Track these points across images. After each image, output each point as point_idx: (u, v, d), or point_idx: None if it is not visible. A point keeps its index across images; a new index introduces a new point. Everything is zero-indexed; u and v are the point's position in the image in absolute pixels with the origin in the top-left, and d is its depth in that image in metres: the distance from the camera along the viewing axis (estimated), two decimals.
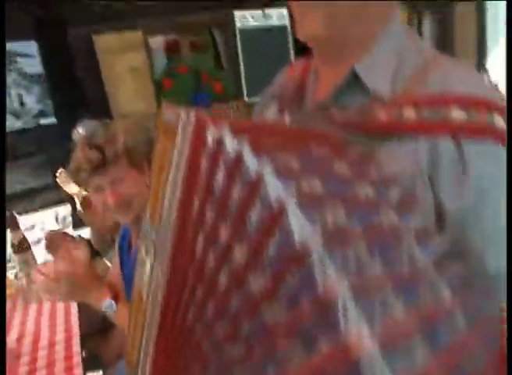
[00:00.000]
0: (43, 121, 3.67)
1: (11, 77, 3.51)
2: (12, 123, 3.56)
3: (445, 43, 5.76)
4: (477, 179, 0.55)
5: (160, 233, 0.49)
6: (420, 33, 5.76)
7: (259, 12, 4.20)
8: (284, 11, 4.29)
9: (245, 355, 0.44)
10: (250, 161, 0.42)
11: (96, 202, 1.31)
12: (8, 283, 2.02)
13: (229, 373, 0.46)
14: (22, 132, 3.62)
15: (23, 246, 2.10)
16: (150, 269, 0.54)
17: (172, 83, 3.96)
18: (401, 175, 0.54)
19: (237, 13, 4.11)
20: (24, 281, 1.95)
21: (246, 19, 4.15)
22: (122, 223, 1.43)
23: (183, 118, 0.47)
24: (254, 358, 0.43)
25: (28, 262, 2.05)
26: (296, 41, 4.34)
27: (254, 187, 0.41)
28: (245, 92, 4.27)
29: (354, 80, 0.64)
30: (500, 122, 0.55)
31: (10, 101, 3.54)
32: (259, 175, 0.41)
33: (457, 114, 0.55)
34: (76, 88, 3.71)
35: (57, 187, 3.18)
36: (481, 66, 5.49)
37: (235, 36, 4.18)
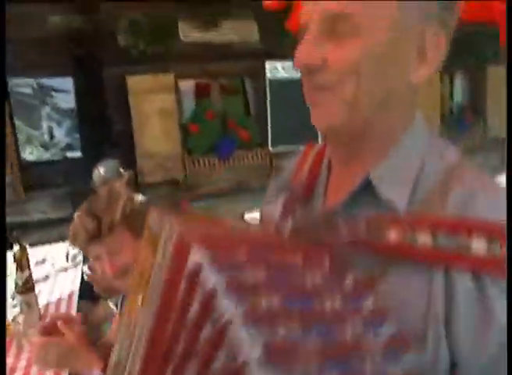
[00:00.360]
0: (69, 154, 3.77)
1: (45, 111, 3.65)
2: (40, 154, 3.67)
3: (477, 103, 5.72)
4: (501, 328, 0.48)
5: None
6: (451, 94, 5.75)
7: (290, 63, 4.27)
8: None
9: None
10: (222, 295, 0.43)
11: (95, 269, 1.28)
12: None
13: None
14: (49, 163, 3.72)
15: (26, 286, 2.09)
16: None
17: (198, 128, 4.03)
18: (404, 309, 0.49)
19: (268, 64, 4.19)
20: (21, 327, 1.94)
21: (276, 70, 4.23)
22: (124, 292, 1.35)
23: (166, 233, 0.48)
24: None
25: (30, 305, 2.04)
26: None
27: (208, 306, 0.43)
28: (270, 141, 4.29)
29: (369, 188, 0.58)
30: None
31: (41, 133, 3.66)
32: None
33: (479, 245, 0.48)
34: (104, 125, 3.81)
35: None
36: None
37: (265, 86, 4.25)
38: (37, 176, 3.70)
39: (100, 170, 2.86)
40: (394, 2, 0.54)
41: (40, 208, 3.76)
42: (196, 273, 0.44)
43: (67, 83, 3.67)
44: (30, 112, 3.61)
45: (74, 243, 1.26)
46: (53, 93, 3.65)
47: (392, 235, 0.53)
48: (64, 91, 3.68)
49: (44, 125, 3.66)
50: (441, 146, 0.62)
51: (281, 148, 4.36)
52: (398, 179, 0.57)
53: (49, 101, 3.65)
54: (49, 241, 3.33)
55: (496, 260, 0.48)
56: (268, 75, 4.21)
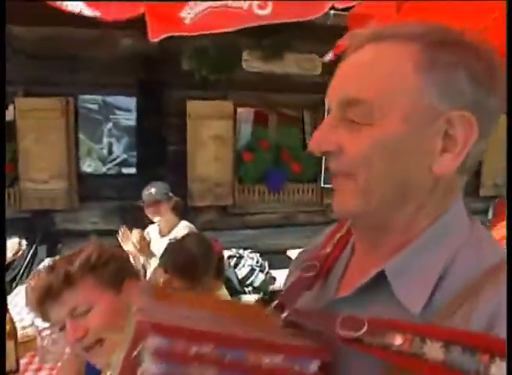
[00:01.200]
0: (125, 170, 3.87)
1: (107, 127, 3.80)
2: (98, 167, 3.81)
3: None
4: None
5: None
6: None
7: None
8: None
9: None
10: None
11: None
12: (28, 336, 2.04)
13: None
14: (104, 176, 3.84)
15: None
16: None
17: (252, 157, 4.02)
18: None
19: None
20: (49, 341, 1.95)
21: None
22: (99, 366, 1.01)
23: (132, 320, 0.51)
24: None
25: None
26: None
27: None
28: (322, 178, 4.20)
29: (383, 283, 0.52)
30: None
31: (101, 147, 3.81)
32: None
33: (499, 368, 0.40)
34: (160, 145, 3.90)
35: None
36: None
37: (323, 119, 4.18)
38: (92, 188, 3.84)
39: (150, 190, 2.91)
40: (413, 87, 0.50)
41: (91, 219, 3.88)
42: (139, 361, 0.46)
43: (130, 102, 3.81)
44: (93, 127, 3.77)
45: (29, 308, 1.02)
46: (116, 111, 3.80)
47: (398, 341, 0.45)
48: (127, 110, 3.82)
49: (105, 140, 3.80)
50: (481, 243, 0.54)
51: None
52: (418, 278, 0.51)
53: (112, 118, 3.80)
54: None
55: None
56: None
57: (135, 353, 0.47)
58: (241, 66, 3.92)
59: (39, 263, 3.41)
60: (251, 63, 3.95)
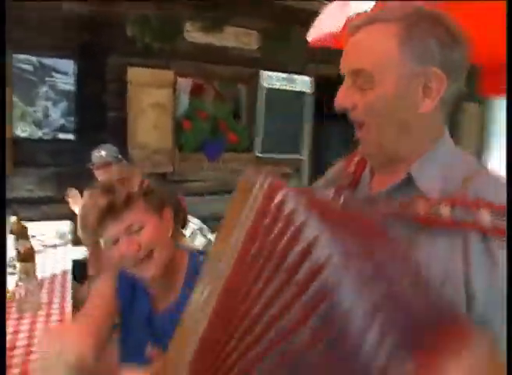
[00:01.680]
0: (61, 136, 3.78)
1: (43, 89, 3.66)
2: (32, 132, 3.67)
3: (453, 132, 6.11)
4: (502, 273, 0.66)
5: (219, 268, 0.62)
6: None
7: (284, 75, 4.48)
8: (307, 78, 4.58)
9: None
10: (310, 230, 0.50)
11: (110, 258, 1.12)
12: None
13: None
14: (39, 141, 3.72)
15: (28, 255, 2.16)
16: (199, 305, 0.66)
17: (191, 125, 4.14)
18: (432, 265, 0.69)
19: (264, 73, 4.38)
20: (22, 292, 1.99)
21: (271, 79, 4.42)
22: (146, 277, 1.14)
23: (260, 181, 0.59)
24: None
25: (29, 274, 2.10)
26: (317, 108, 4.60)
27: (308, 249, 0.49)
28: (260, 147, 4.46)
29: (408, 183, 0.78)
30: None
31: (35, 110, 3.67)
32: (315, 238, 0.49)
33: (485, 217, 0.68)
34: (100, 111, 3.87)
35: (60, 202, 3.26)
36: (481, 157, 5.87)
37: (257, 94, 4.43)
38: (27, 154, 3.70)
39: (101, 152, 2.94)
40: (397, 57, 0.74)
41: (26, 186, 3.75)
42: (281, 206, 0.52)
43: (69, 65, 3.70)
44: (27, 89, 3.61)
45: (85, 226, 1.11)
46: (53, 73, 3.67)
47: (420, 208, 0.73)
48: (64, 73, 3.71)
49: (41, 103, 3.67)
50: (464, 155, 0.83)
51: (267, 155, 4.54)
52: (433, 178, 0.77)
53: (48, 81, 3.67)
54: (34, 219, 3.34)
55: (498, 227, 0.67)
56: (263, 84, 4.39)
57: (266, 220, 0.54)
58: (183, 36, 4.00)
59: None
60: (192, 34, 4.04)
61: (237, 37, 4.22)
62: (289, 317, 0.50)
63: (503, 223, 0.67)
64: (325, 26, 1.97)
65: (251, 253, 0.56)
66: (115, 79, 3.85)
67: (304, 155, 4.76)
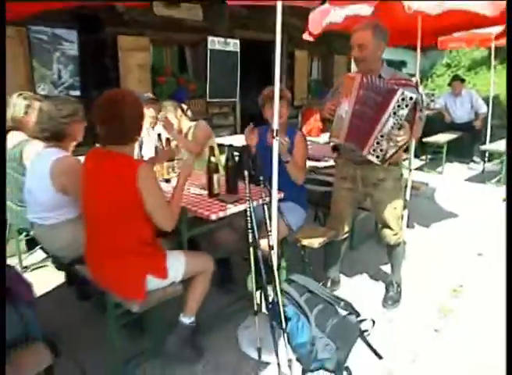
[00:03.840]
0: (72, 92, 4.75)
1: (55, 55, 4.57)
2: (51, 90, 4.58)
3: (327, 79, 8.35)
4: None
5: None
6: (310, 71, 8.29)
7: (222, 39, 5.98)
8: (237, 41, 6.16)
9: None
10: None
11: None
12: None
13: None
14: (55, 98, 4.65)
15: None
16: None
17: (164, 80, 5.44)
18: None
19: (209, 38, 5.82)
20: None
21: (214, 43, 5.89)
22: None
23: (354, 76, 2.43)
24: None
25: None
26: (242, 63, 6.23)
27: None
28: (208, 94, 5.96)
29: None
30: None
31: (52, 73, 4.58)
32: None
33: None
34: (99, 72, 4.91)
35: None
36: None
37: (206, 54, 5.87)
38: None
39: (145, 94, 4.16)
40: (372, 39, 2.52)
41: None
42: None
43: (73, 35, 4.66)
44: (45, 55, 4.48)
45: None
46: (62, 41, 4.58)
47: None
48: (70, 41, 4.65)
49: (55, 67, 4.57)
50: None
51: (213, 100, 6.08)
52: (385, 73, 2.59)
53: (59, 48, 4.58)
54: None
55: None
56: (209, 46, 5.84)
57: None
58: (153, 11, 5.20)
59: None
60: (159, 8, 5.26)
61: (189, 10, 5.56)
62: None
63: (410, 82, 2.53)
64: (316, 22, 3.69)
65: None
66: (109, 46, 4.92)
67: (237, 98, 6.42)
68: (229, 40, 6.07)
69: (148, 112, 4.15)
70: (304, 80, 7.58)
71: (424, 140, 6.62)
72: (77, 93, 4.80)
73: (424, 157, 7.00)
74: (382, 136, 2.30)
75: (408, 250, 3.55)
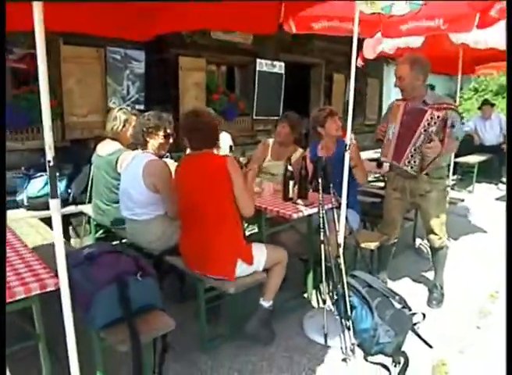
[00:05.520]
0: (137, 106, 5.25)
1: (126, 73, 5.09)
2: (120, 104, 5.08)
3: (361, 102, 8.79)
4: None
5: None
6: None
7: (269, 61, 6.48)
8: (282, 64, 6.64)
9: None
10: None
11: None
12: None
13: None
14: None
15: None
16: None
17: (218, 97, 5.92)
18: None
19: (258, 60, 6.32)
20: None
21: (262, 65, 6.38)
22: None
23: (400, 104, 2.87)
24: None
25: None
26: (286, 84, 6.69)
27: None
28: (254, 113, 6.44)
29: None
30: None
31: (122, 88, 5.09)
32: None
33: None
34: (161, 89, 5.41)
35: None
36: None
37: (254, 75, 6.36)
38: None
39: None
40: (409, 72, 2.93)
41: None
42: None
43: (141, 55, 5.18)
44: (117, 73, 5.00)
45: None
46: (132, 61, 5.11)
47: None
48: (138, 61, 5.17)
49: (125, 83, 5.09)
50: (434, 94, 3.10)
51: (259, 118, 6.55)
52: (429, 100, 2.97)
53: (129, 67, 5.10)
54: None
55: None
56: (257, 68, 6.34)
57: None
58: (210, 35, 5.72)
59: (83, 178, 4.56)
60: (216, 33, 5.77)
61: (241, 35, 6.07)
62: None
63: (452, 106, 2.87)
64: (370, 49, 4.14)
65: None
66: (171, 65, 5.43)
67: (280, 116, 6.88)
68: (275, 62, 6.56)
69: None
70: (341, 101, 8.03)
71: (455, 160, 6.96)
72: (141, 107, 5.30)
73: (455, 176, 7.33)
74: (415, 150, 2.73)
75: (448, 257, 3.91)
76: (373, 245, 3.11)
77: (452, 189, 6.96)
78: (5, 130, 4.05)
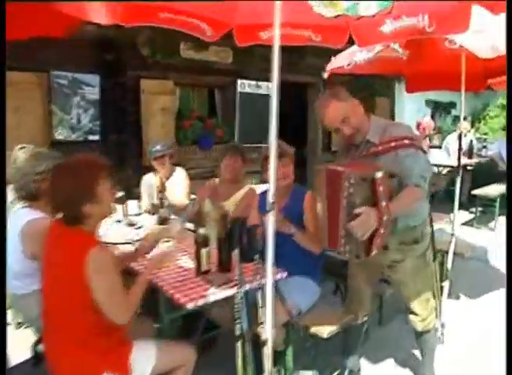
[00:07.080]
0: (90, 137, 4.59)
1: (76, 99, 4.44)
2: (69, 135, 4.43)
3: None
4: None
5: None
6: None
7: (253, 82, 5.72)
8: (270, 84, 5.87)
9: None
10: None
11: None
12: None
13: None
14: (73, 143, 4.48)
15: None
16: None
17: (189, 125, 5.20)
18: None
19: (239, 81, 5.58)
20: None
21: (244, 85, 5.63)
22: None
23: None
24: None
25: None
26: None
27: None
28: (237, 138, 5.65)
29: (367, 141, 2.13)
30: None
31: (71, 117, 4.44)
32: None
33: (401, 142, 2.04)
34: (120, 116, 4.74)
35: None
36: None
37: (234, 97, 5.62)
38: (63, 154, 4.44)
39: (156, 147, 3.86)
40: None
41: None
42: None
43: (95, 79, 4.53)
44: (64, 100, 4.36)
45: None
46: (83, 86, 4.46)
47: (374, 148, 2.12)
48: (91, 85, 4.52)
49: (74, 112, 4.44)
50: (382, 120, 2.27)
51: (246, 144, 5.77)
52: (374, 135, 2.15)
53: (79, 93, 4.45)
54: None
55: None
56: (238, 89, 5.59)
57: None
58: (180, 54, 5.03)
59: None
60: (186, 52, 5.08)
61: (217, 54, 5.36)
62: None
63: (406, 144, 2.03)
64: (336, 62, 3.33)
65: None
66: (131, 89, 4.76)
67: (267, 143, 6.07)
68: (260, 83, 5.80)
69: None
70: None
71: (474, 192, 5.96)
72: (96, 138, 4.64)
73: (474, 210, 6.29)
74: (345, 230, 1.84)
75: (447, 333, 2.98)
76: (327, 332, 2.22)
77: (470, 226, 5.94)
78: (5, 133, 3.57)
